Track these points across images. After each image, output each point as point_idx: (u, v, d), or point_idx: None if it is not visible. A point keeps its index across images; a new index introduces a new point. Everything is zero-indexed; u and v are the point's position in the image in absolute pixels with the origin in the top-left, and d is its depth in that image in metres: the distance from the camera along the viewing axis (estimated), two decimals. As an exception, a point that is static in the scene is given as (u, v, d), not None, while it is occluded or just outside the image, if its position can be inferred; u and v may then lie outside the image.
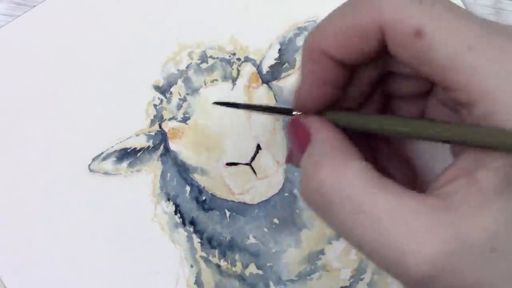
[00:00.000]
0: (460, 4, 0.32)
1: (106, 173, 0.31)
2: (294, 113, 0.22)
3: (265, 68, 0.32)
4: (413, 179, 0.23)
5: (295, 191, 0.31)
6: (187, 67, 0.32)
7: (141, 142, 0.31)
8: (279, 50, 0.32)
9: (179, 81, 0.32)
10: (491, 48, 0.16)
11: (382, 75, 0.21)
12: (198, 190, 0.31)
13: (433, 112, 0.22)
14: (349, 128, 0.20)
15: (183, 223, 0.30)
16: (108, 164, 0.31)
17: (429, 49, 0.17)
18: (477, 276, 0.16)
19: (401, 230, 0.16)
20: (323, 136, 0.20)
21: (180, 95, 0.32)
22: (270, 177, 0.30)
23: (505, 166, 0.16)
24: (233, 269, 0.30)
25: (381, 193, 0.17)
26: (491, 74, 0.16)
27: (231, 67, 0.32)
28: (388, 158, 0.23)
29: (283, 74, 0.32)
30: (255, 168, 0.30)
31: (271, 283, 0.30)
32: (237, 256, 0.30)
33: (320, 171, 0.18)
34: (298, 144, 0.21)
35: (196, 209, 0.31)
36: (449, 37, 0.16)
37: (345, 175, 0.18)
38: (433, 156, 0.23)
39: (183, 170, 0.31)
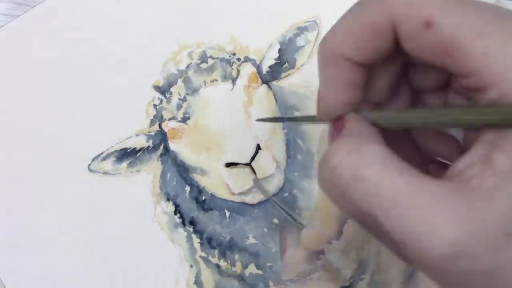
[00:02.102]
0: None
1: (106, 173, 0.31)
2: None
3: (265, 68, 0.32)
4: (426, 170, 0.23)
5: (295, 191, 0.31)
6: (187, 67, 0.32)
7: (141, 142, 0.31)
8: (279, 50, 0.32)
9: (179, 81, 0.32)
10: (502, 32, 0.16)
11: (404, 69, 0.21)
12: (198, 190, 0.31)
13: (452, 102, 0.22)
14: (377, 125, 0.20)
15: (183, 223, 0.30)
16: (108, 164, 0.31)
17: (440, 39, 0.17)
18: (492, 261, 0.15)
19: (420, 213, 0.16)
20: (349, 126, 0.20)
21: (180, 95, 0.32)
22: (270, 177, 0.30)
23: None
24: (233, 269, 0.30)
25: (399, 176, 0.17)
26: (502, 57, 0.16)
27: (231, 67, 0.32)
28: (402, 147, 0.23)
29: (283, 74, 0.32)
30: (255, 168, 0.30)
31: (270, 283, 0.30)
32: (236, 256, 0.30)
33: (338, 153, 0.18)
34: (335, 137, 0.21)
35: (196, 209, 0.31)
36: (458, 25, 0.16)
37: (362, 156, 0.17)
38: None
39: (183, 170, 0.31)
